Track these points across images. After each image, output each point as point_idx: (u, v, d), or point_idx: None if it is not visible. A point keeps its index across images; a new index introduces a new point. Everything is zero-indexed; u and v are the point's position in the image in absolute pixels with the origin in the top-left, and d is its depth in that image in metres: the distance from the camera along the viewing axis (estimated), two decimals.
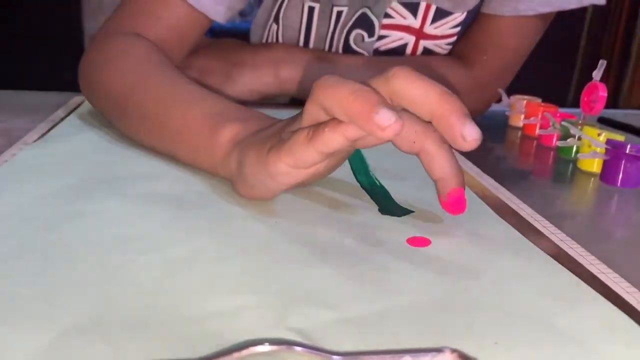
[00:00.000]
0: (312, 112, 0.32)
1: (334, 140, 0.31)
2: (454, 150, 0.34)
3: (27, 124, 0.52)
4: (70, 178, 0.40)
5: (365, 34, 0.66)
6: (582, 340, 0.26)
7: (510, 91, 0.67)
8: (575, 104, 0.58)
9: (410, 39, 0.67)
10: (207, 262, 0.30)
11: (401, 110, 0.32)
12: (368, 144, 0.33)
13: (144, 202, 0.37)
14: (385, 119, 0.28)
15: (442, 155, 0.34)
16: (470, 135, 0.30)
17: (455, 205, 0.35)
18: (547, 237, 0.37)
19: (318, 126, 0.31)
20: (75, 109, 0.57)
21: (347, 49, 0.68)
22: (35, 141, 0.47)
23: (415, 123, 0.34)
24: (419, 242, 0.34)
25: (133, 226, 0.34)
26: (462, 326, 0.26)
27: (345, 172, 0.44)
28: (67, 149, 0.46)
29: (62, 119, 0.54)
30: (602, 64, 0.54)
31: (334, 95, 0.30)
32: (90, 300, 0.26)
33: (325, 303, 0.27)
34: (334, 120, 0.30)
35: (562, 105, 0.63)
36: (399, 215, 0.38)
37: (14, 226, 0.33)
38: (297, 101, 0.67)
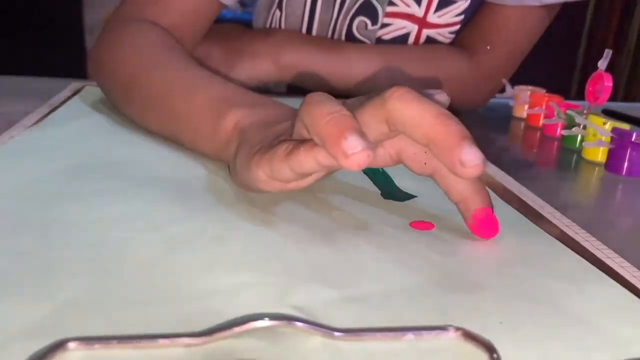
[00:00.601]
0: (298, 128, 0.30)
1: (306, 162, 0.29)
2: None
3: (26, 109, 0.51)
4: (70, 160, 0.40)
5: (368, 22, 0.66)
6: (588, 320, 0.25)
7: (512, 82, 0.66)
8: (578, 97, 0.57)
9: (413, 28, 0.67)
10: (207, 241, 0.30)
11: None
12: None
13: (144, 183, 0.36)
14: (351, 146, 0.26)
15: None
16: (470, 160, 0.26)
17: (485, 226, 0.32)
18: (552, 223, 0.36)
19: (298, 144, 0.29)
20: (74, 94, 0.57)
21: (350, 36, 0.67)
22: (34, 124, 0.47)
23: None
24: (422, 225, 0.34)
25: (132, 206, 0.33)
26: (466, 306, 0.26)
27: None
28: (66, 132, 0.45)
29: (62, 103, 0.53)
30: (608, 53, 0.54)
31: (312, 114, 0.28)
32: (87, 276, 0.26)
33: (326, 282, 0.27)
34: (310, 142, 0.28)
35: (565, 98, 0.63)
36: (402, 200, 0.37)
37: (11, 205, 0.32)
38: (296, 89, 0.66)
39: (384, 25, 0.67)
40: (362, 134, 0.26)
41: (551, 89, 0.64)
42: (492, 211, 0.32)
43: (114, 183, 0.36)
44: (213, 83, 0.42)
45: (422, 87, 0.64)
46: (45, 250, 0.28)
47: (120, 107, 0.49)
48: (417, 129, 0.28)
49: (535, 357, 0.22)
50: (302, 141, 0.29)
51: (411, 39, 0.67)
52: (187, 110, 0.41)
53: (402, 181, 0.40)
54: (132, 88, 0.46)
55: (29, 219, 0.31)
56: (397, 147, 0.32)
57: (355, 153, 0.26)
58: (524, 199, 0.40)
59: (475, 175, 0.27)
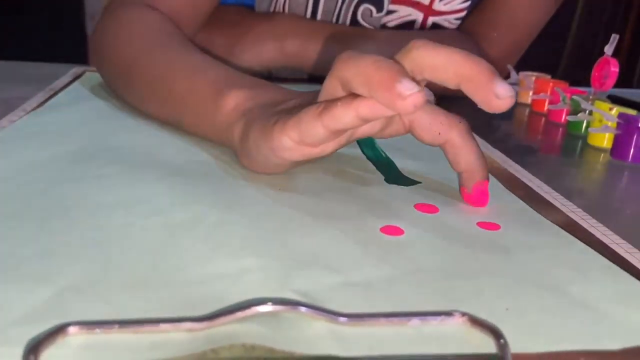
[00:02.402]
0: (330, 87, 0.30)
1: (345, 116, 0.29)
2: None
3: (26, 94, 0.51)
4: (70, 145, 0.39)
5: (373, 9, 0.65)
6: (595, 307, 0.25)
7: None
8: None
9: (419, 16, 0.66)
10: (209, 226, 0.29)
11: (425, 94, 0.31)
12: (379, 131, 0.33)
13: (145, 169, 0.36)
14: (407, 88, 0.26)
15: (468, 148, 0.33)
16: (504, 93, 0.27)
17: (479, 198, 0.34)
18: (558, 209, 0.36)
19: (331, 101, 0.29)
20: (75, 79, 0.56)
21: (354, 24, 0.66)
22: (34, 109, 0.46)
23: (441, 114, 0.33)
24: (427, 208, 0.33)
25: (133, 191, 0.33)
26: (472, 292, 0.25)
27: (350, 145, 0.43)
28: (67, 117, 0.45)
29: (62, 89, 0.53)
30: (615, 38, 0.53)
31: (356, 67, 0.28)
32: (88, 261, 0.26)
33: (330, 267, 0.26)
34: (349, 96, 0.29)
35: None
36: (406, 185, 0.37)
37: (11, 189, 0.32)
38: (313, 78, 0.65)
39: (389, 12, 0.66)
40: (412, 77, 0.27)
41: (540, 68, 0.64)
42: (488, 185, 0.35)
43: (115, 168, 0.36)
44: (212, 67, 0.41)
45: None
46: (46, 235, 0.27)
47: (120, 93, 0.49)
48: (447, 71, 0.29)
49: (541, 344, 0.22)
50: (335, 99, 0.29)
51: (417, 26, 0.67)
52: (186, 93, 0.41)
53: (405, 167, 0.39)
54: (131, 73, 0.45)
55: (29, 204, 0.31)
56: (412, 116, 0.33)
57: (412, 94, 0.26)
58: (530, 185, 0.39)
59: (509, 106, 0.28)
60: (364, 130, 0.32)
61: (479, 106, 0.28)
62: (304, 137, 0.30)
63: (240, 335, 0.21)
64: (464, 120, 0.34)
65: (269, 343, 0.21)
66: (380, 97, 0.27)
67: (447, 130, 0.33)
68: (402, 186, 0.36)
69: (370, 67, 0.27)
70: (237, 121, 0.36)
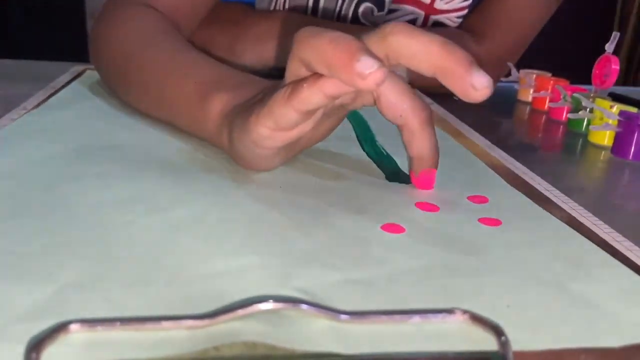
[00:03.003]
0: (294, 68, 0.29)
1: (313, 96, 0.28)
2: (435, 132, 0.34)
3: (27, 92, 0.51)
4: (70, 143, 0.39)
5: (374, 8, 0.65)
6: (596, 304, 0.25)
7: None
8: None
9: (420, 15, 0.66)
10: (209, 224, 0.29)
11: (395, 76, 0.31)
12: (350, 102, 0.32)
13: (146, 166, 0.36)
14: (367, 66, 0.26)
15: (423, 136, 0.34)
16: (480, 83, 0.27)
17: (425, 183, 0.36)
18: (559, 206, 0.36)
19: (297, 82, 0.29)
20: (75, 77, 0.56)
21: (355, 23, 0.66)
22: (34, 107, 0.46)
23: (407, 96, 0.33)
24: (428, 207, 0.33)
25: (134, 189, 0.33)
26: (473, 290, 0.25)
27: (350, 143, 0.43)
28: (67, 115, 0.45)
29: (63, 87, 0.53)
30: (615, 36, 0.53)
31: (313, 46, 0.27)
32: (89, 258, 0.26)
33: (331, 265, 0.26)
34: (313, 76, 0.28)
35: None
36: (407, 182, 0.37)
37: (11, 187, 0.32)
38: None
39: (390, 11, 0.66)
40: (372, 53, 0.26)
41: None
42: (435, 173, 0.36)
43: (116, 166, 0.36)
44: (203, 67, 0.41)
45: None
46: (47, 233, 0.27)
47: (118, 92, 0.49)
48: (424, 60, 0.28)
49: (543, 341, 0.22)
50: (301, 80, 0.29)
51: (418, 25, 0.67)
52: (177, 96, 0.40)
53: (405, 162, 0.39)
54: (126, 73, 0.45)
55: (30, 202, 0.31)
56: (379, 90, 0.33)
57: (372, 72, 0.26)
58: (531, 182, 0.39)
59: (486, 97, 0.27)
60: (335, 105, 0.32)
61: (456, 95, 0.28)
62: (278, 123, 0.30)
63: (241, 332, 0.21)
64: (428, 108, 0.34)
65: (270, 341, 0.21)
66: (341, 77, 0.27)
67: (408, 115, 0.33)
68: (403, 184, 0.36)
69: (328, 47, 0.27)
70: (224, 126, 0.36)
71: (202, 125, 0.38)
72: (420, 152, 0.35)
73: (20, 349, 0.20)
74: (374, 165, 0.39)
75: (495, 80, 0.68)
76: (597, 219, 0.34)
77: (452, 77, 0.28)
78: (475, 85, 0.27)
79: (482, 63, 0.71)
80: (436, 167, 0.35)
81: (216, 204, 0.31)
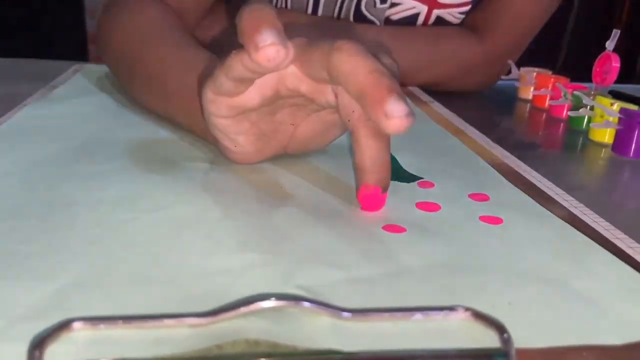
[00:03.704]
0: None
1: (235, 66, 0.29)
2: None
3: (27, 91, 0.51)
4: (71, 141, 0.39)
5: (377, 0, 0.65)
6: (597, 302, 0.25)
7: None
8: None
9: (423, 9, 0.66)
10: (211, 222, 0.29)
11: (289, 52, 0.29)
12: (316, 98, 0.31)
13: (147, 164, 0.36)
14: (262, 39, 0.25)
15: (367, 147, 0.31)
16: (393, 111, 0.25)
17: (366, 201, 0.32)
18: (559, 204, 0.36)
19: (233, 52, 0.30)
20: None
21: (358, 14, 0.66)
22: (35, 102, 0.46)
23: (358, 105, 0.30)
24: (428, 206, 0.33)
25: (136, 186, 0.33)
26: (474, 287, 0.25)
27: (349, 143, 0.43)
28: (68, 111, 0.45)
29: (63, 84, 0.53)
30: (616, 33, 0.53)
31: (239, 15, 0.28)
32: (90, 256, 0.26)
33: (333, 263, 0.26)
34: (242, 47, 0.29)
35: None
36: (407, 182, 0.37)
37: (12, 186, 0.32)
38: None
39: (393, 5, 0.66)
40: (278, 31, 0.26)
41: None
42: (382, 192, 0.31)
43: (117, 163, 0.36)
44: (205, 62, 0.41)
45: (431, 68, 0.63)
46: (49, 231, 0.27)
47: (124, 86, 0.49)
48: (350, 84, 0.28)
49: (544, 338, 0.22)
50: (235, 51, 0.29)
51: (421, 19, 0.66)
52: (179, 91, 0.41)
53: (406, 161, 0.39)
54: (131, 67, 0.46)
55: (31, 200, 0.31)
56: (337, 88, 0.31)
57: (265, 46, 0.26)
58: (532, 180, 0.39)
59: (400, 130, 0.26)
60: (302, 97, 0.32)
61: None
62: (217, 88, 0.31)
63: (243, 330, 0.21)
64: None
65: (273, 338, 0.21)
66: (245, 46, 0.27)
67: (356, 123, 0.30)
68: (404, 183, 0.36)
69: (243, 16, 0.27)
70: None
71: (198, 118, 0.38)
72: (361, 164, 0.31)
73: (23, 348, 0.20)
74: None
75: (497, 77, 0.68)
76: (598, 216, 0.34)
77: (368, 103, 0.27)
78: (387, 113, 0.26)
79: (483, 60, 0.71)
80: (382, 186, 0.31)
81: (218, 202, 0.32)
